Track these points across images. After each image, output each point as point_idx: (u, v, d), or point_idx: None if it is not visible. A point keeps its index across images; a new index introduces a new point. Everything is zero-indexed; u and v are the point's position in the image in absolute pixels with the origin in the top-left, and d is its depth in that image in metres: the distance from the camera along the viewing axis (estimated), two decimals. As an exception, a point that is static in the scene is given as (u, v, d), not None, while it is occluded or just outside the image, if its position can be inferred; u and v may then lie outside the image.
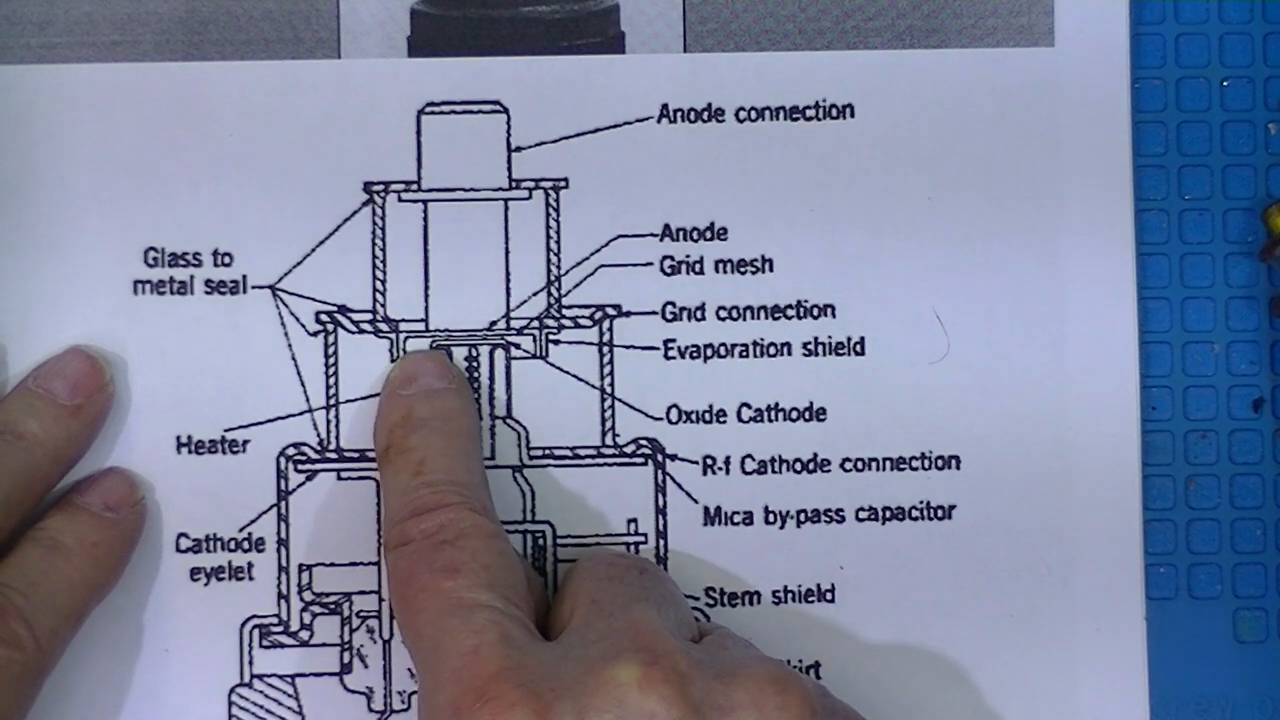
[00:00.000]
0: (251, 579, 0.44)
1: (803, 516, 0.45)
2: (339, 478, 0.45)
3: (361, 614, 0.44)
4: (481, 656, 0.38)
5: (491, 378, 0.45)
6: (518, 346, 0.45)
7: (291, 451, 0.45)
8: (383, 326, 0.45)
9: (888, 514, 0.45)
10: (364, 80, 0.45)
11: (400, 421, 0.43)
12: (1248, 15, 0.46)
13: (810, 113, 0.45)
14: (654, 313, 0.45)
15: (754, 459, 0.45)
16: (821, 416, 0.45)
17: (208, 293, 0.45)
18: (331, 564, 0.45)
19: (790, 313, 0.45)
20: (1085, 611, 0.45)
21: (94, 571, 0.42)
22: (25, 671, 0.40)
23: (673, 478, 0.45)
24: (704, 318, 0.45)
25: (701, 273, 0.45)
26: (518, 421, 0.45)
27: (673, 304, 0.45)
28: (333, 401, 0.45)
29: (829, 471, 0.45)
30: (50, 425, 0.43)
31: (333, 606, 0.44)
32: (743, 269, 0.45)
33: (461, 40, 0.45)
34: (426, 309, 0.45)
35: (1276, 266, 0.46)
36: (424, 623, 0.39)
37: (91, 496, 0.43)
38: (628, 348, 0.45)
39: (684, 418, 0.45)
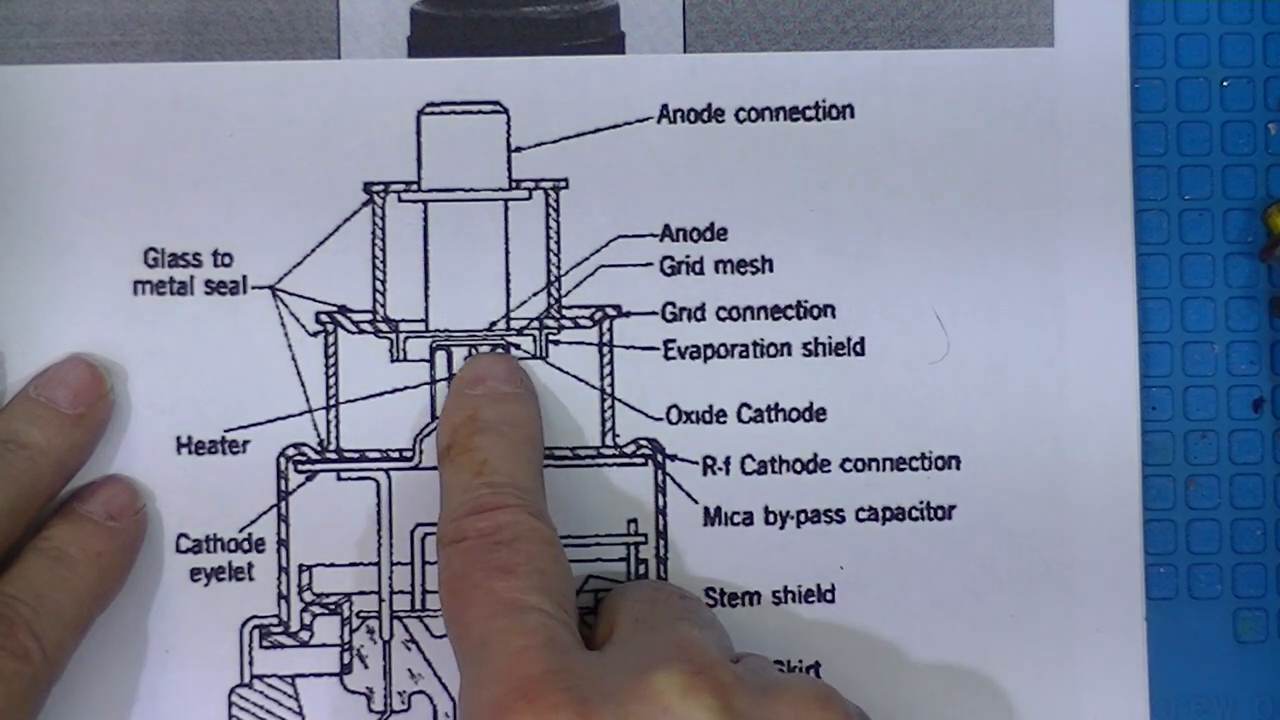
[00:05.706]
0: (251, 579, 0.44)
1: (803, 516, 0.45)
2: (339, 478, 0.45)
3: (361, 614, 0.44)
4: (528, 658, 0.38)
5: (491, 378, 0.45)
6: (518, 347, 0.45)
7: (291, 452, 0.45)
8: (383, 327, 0.45)
9: (888, 514, 0.45)
10: (364, 80, 0.45)
11: (465, 421, 0.43)
12: (1248, 15, 0.46)
13: (810, 113, 0.45)
14: (654, 313, 0.45)
15: (754, 459, 0.45)
16: (821, 416, 0.45)
17: (208, 293, 0.45)
18: (331, 564, 0.45)
19: (790, 313, 0.45)
20: (1085, 611, 0.45)
21: (99, 581, 0.42)
22: (34, 684, 0.40)
23: (673, 478, 0.45)
24: (704, 318, 0.45)
25: (701, 273, 0.45)
26: (518, 422, 0.45)
27: (673, 304, 0.45)
28: (333, 402, 0.45)
29: (829, 471, 0.45)
30: (53, 434, 0.43)
31: (333, 607, 0.44)
32: (743, 269, 0.45)
33: (461, 40, 0.45)
34: (426, 309, 0.45)
35: (1276, 266, 0.46)
36: (473, 619, 0.39)
37: (94, 505, 0.43)
38: (628, 348, 0.45)
39: (684, 418, 0.45)
